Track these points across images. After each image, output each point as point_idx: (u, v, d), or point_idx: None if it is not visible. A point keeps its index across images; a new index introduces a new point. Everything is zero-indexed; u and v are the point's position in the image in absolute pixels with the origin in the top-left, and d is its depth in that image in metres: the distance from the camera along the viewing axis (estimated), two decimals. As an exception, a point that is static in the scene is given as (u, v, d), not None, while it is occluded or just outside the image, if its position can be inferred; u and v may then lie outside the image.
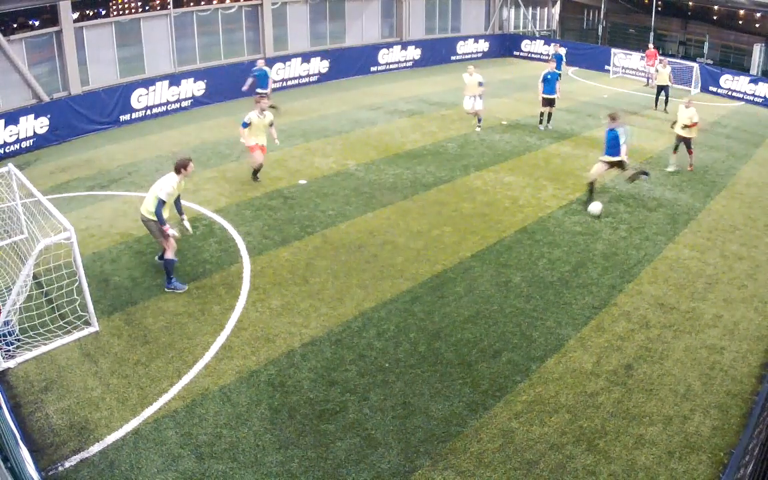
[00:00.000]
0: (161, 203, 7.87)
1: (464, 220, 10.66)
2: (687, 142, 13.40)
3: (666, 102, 19.34)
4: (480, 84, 16.16)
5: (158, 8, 19.65)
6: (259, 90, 16.50)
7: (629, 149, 11.44)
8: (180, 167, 8.01)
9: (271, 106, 16.20)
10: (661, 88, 19.28)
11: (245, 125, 11.60)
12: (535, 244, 9.75)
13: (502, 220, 10.68)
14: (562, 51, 20.60)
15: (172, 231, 8.07)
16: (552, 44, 23.32)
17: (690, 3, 27.52)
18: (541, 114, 16.79)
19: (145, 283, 8.45)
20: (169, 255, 8.20)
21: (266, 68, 17.11)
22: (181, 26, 19.81)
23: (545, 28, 32.67)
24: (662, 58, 20.85)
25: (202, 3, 20.81)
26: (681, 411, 6.15)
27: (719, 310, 8.02)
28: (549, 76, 16.19)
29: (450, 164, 13.55)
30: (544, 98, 16.41)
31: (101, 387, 6.39)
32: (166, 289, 8.27)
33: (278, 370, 6.70)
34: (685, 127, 13.27)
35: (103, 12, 18.51)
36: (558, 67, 19.64)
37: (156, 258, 8.89)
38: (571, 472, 5.40)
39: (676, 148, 13.66)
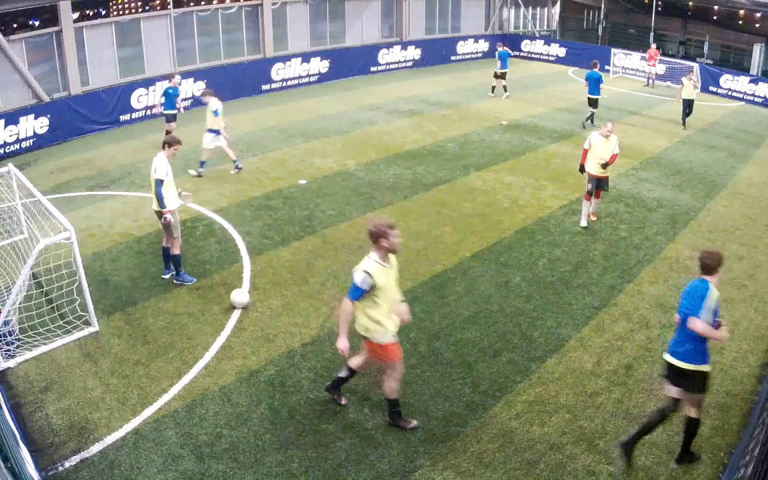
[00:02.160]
0: (159, 183, 7.84)
1: (464, 220, 10.65)
2: (603, 182, 10.28)
3: (688, 114, 17.39)
4: (215, 113, 12.03)
5: (158, 8, 19.68)
6: (165, 112, 14.24)
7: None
8: (165, 144, 8.04)
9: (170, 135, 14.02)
10: (687, 103, 17.32)
11: None
12: (535, 244, 9.75)
13: (502, 220, 10.68)
14: (507, 48, 21.00)
15: (170, 216, 7.95)
16: (498, 44, 23.08)
17: (690, 3, 27.51)
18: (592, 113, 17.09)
19: (145, 283, 8.45)
20: (176, 251, 8.24)
21: (179, 86, 14.42)
22: (181, 26, 19.81)
23: (545, 28, 32.66)
24: (690, 71, 19.73)
25: (202, 3, 20.82)
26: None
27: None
28: (588, 76, 16.78)
29: (450, 164, 13.55)
30: (588, 98, 16.90)
31: (101, 387, 6.39)
32: (175, 281, 8.36)
33: (278, 370, 6.70)
34: (604, 164, 9.96)
35: (103, 12, 18.55)
36: (503, 66, 20.14)
37: (165, 276, 8.55)
38: (571, 472, 5.40)
39: (590, 193, 10.28)
